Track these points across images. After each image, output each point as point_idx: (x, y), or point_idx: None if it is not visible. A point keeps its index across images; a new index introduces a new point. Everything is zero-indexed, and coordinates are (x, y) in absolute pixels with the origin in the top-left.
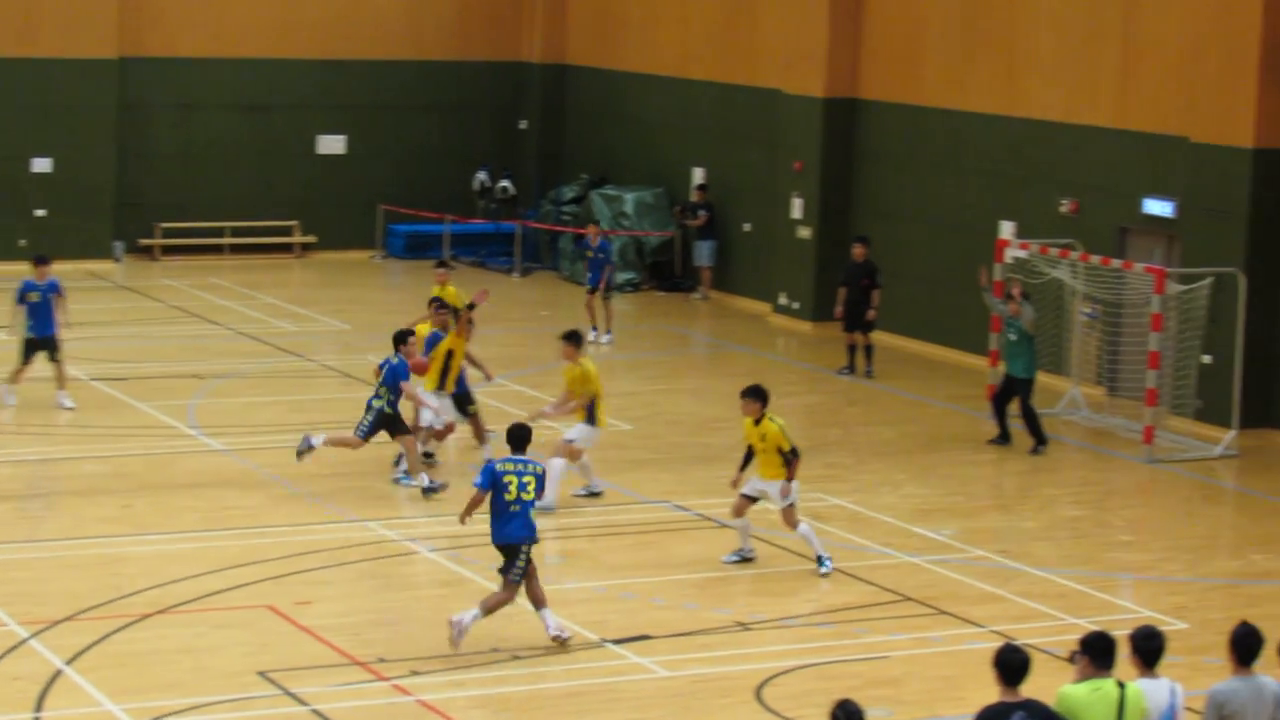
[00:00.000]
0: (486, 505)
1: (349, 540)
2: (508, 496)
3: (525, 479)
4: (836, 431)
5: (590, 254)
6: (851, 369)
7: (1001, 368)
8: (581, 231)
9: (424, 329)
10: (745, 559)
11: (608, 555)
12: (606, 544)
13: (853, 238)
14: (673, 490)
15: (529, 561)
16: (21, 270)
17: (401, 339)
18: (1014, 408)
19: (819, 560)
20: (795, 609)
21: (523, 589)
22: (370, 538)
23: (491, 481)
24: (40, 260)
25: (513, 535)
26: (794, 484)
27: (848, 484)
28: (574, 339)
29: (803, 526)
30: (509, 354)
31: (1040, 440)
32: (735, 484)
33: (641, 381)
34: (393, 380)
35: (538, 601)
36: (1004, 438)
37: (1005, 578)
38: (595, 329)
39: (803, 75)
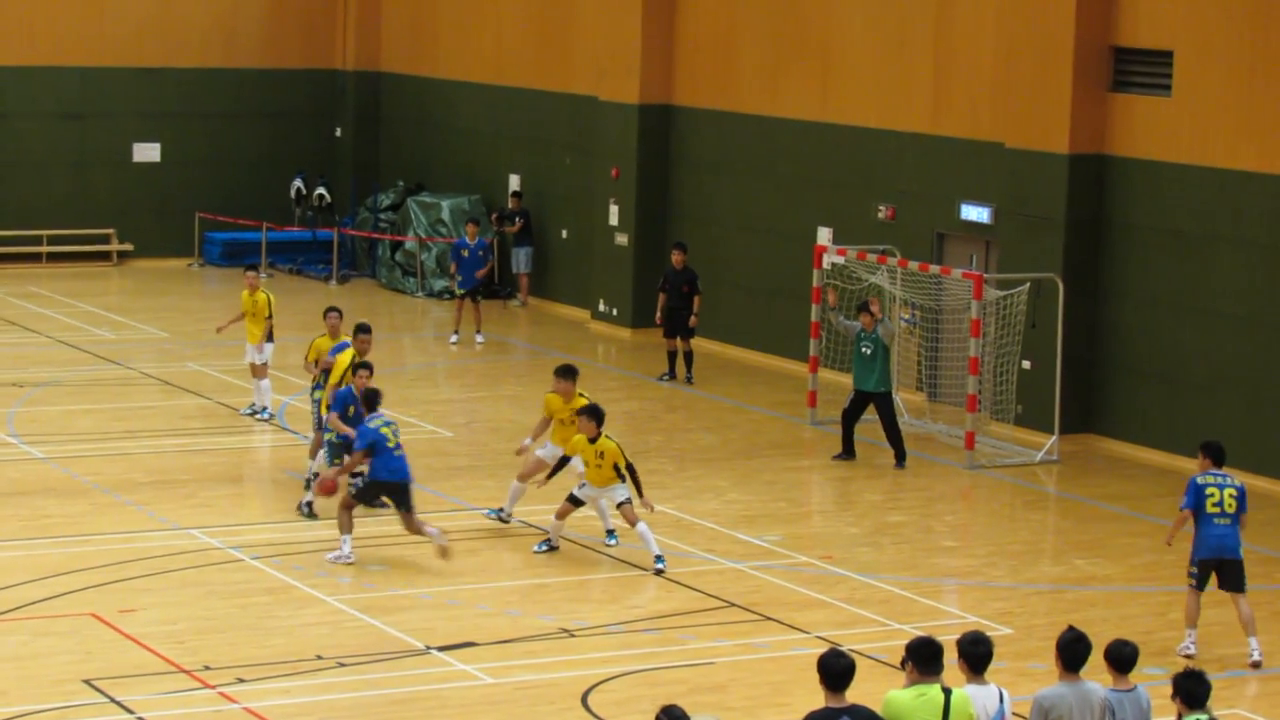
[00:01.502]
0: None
1: (172, 548)
2: (390, 444)
3: (395, 427)
4: (658, 438)
5: (465, 253)
6: (672, 375)
7: (824, 376)
8: (400, 238)
9: (325, 343)
10: (552, 548)
11: (432, 562)
12: (430, 550)
13: (671, 244)
14: (495, 497)
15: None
16: None
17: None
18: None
19: (656, 559)
20: (620, 615)
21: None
22: (194, 545)
23: (372, 440)
24: None
25: (403, 472)
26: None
27: (670, 490)
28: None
29: (641, 525)
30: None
31: (902, 455)
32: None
33: (461, 389)
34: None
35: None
36: (849, 454)
37: (830, 583)
38: (461, 332)
39: (617, 82)
